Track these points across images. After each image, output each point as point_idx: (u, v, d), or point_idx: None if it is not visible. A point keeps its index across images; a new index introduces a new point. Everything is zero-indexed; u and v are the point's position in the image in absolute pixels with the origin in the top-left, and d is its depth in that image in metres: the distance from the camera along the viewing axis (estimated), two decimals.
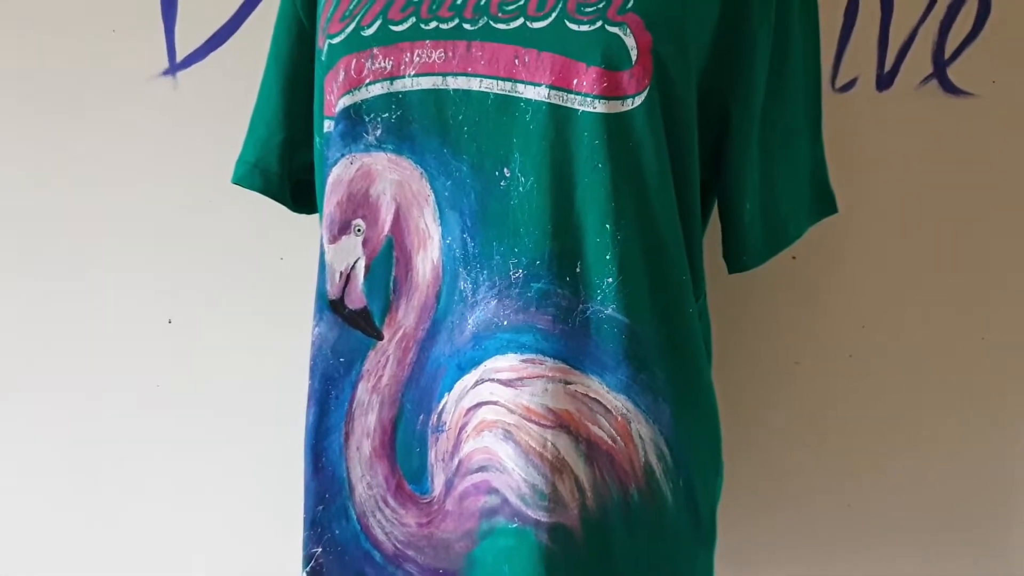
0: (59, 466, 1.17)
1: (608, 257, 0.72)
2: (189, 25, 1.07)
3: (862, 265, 1.12)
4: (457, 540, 0.77)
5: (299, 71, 0.87)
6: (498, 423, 0.74)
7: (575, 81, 0.70)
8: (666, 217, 0.74)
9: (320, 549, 0.80)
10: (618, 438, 0.74)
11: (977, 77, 1.07)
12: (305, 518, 0.81)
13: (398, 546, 0.78)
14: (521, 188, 0.72)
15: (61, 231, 1.12)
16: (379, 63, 0.74)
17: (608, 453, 0.74)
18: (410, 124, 0.74)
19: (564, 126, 0.71)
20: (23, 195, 1.11)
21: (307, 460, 0.81)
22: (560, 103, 0.71)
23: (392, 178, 0.76)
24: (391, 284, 0.77)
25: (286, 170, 0.90)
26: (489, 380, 0.74)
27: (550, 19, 0.71)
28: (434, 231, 0.75)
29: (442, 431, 0.76)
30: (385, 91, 0.74)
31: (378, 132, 0.75)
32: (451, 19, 0.73)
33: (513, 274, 0.73)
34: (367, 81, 0.75)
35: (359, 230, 0.77)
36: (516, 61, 0.71)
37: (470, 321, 0.74)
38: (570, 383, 0.73)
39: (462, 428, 0.75)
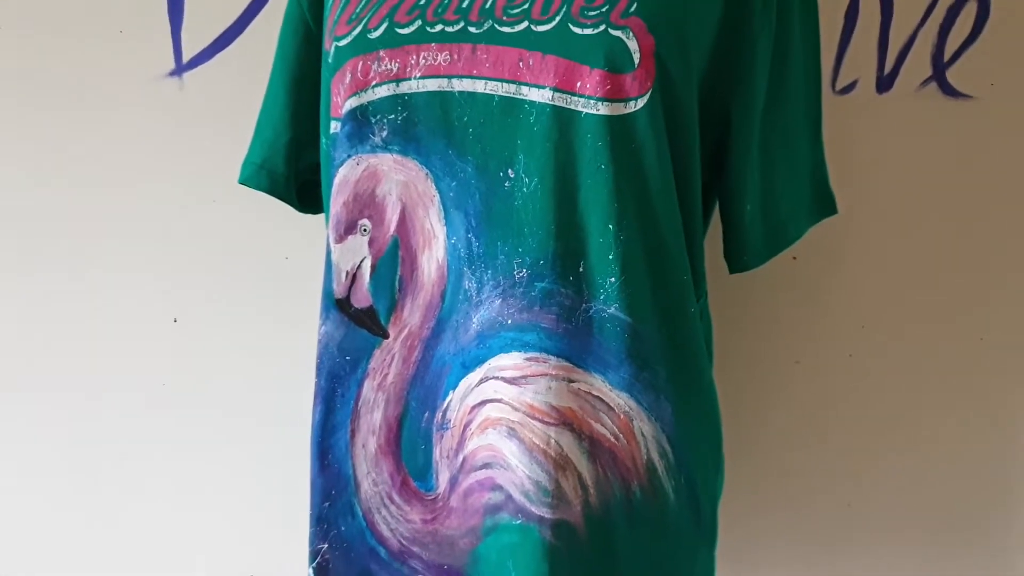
0: (61, 466, 1.17)
1: (611, 257, 0.73)
2: (195, 26, 1.08)
3: (862, 265, 1.12)
4: (461, 536, 0.77)
5: (305, 73, 0.88)
6: (502, 420, 0.74)
7: (578, 84, 0.71)
8: (668, 218, 0.75)
9: (326, 545, 0.81)
10: (620, 436, 0.75)
11: (976, 79, 1.08)
12: (311, 515, 0.82)
13: (403, 542, 0.79)
14: (525, 189, 0.73)
15: (67, 231, 1.12)
16: (385, 65, 0.75)
17: (611, 450, 0.75)
18: (416, 126, 0.75)
19: (568, 128, 0.72)
20: (29, 195, 1.11)
21: (313, 457, 0.81)
22: (564, 105, 0.72)
23: (398, 179, 0.76)
24: (397, 283, 0.77)
25: (292, 171, 0.91)
26: (493, 378, 0.74)
27: (554, 23, 0.71)
28: (439, 231, 0.76)
29: (447, 428, 0.77)
30: (391, 93, 0.75)
31: (384, 133, 0.76)
32: (456, 22, 0.73)
33: (517, 273, 0.73)
34: (373, 83, 0.75)
35: (365, 230, 0.78)
36: (520, 64, 0.72)
37: (475, 320, 0.75)
38: (573, 381, 0.74)
39: (466, 425, 0.76)
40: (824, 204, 0.89)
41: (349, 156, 0.77)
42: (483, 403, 0.75)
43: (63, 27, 1.08)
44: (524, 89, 0.72)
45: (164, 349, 1.14)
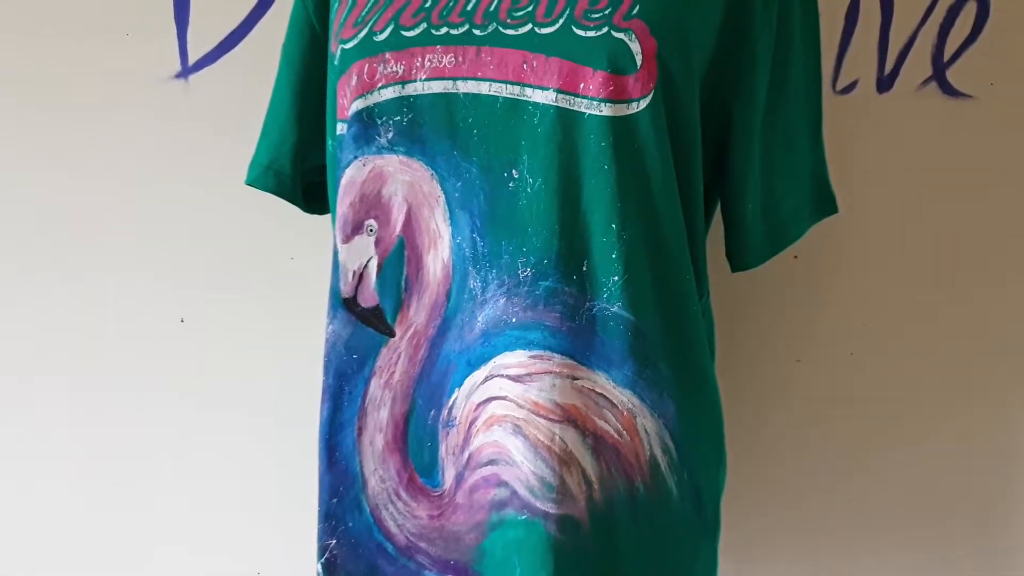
0: (68, 466, 1.18)
1: (614, 256, 0.73)
2: (201, 29, 1.09)
3: (863, 264, 1.13)
4: (467, 532, 0.78)
5: (311, 75, 0.88)
6: (507, 418, 0.75)
7: (582, 85, 0.72)
8: (670, 217, 0.75)
9: (334, 541, 0.81)
10: (624, 432, 0.76)
11: (976, 79, 1.08)
12: (319, 511, 0.82)
13: (410, 538, 0.80)
14: (529, 189, 0.74)
15: (75, 232, 1.13)
16: (391, 67, 0.75)
17: (614, 447, 0.75)
18: (421, 127, 0.76)
19: (571, 129, 0.73)
20: (39, 197, 1.12)
21: (321, 454, 0.82)
22: (567, 106, 0.72)
23: (404, 179, 0.77)
24: (403, 283, 0.78)
25: (298, 172, 0.91)
26: (498, 376, 0.75)
27: (557, 25, 0.72)
28: (444, 231, 0.77)
29: (452, 426, 0.77)
30: (397, 95, 0.76)
31: (390, 135, 0.77)
32: (461, 25, 0.74)
33: (521, 273, 0.74)
34: (379, 85, 0.76)
35: (371, 230, 0.78)
36: (524, 66, 0.73)
37: (480, 319, 0.75)
38: (577, 379, 0.74)
39: (472, 423, 0.76)
40: (825, 203, 0.89)
41: (355, 157, 0.78)
42: (488, 400, 0.76)
43: (70, 30, 1.09)
44: (528, 91, 0.73)
45: (171, 349, 1.15)
